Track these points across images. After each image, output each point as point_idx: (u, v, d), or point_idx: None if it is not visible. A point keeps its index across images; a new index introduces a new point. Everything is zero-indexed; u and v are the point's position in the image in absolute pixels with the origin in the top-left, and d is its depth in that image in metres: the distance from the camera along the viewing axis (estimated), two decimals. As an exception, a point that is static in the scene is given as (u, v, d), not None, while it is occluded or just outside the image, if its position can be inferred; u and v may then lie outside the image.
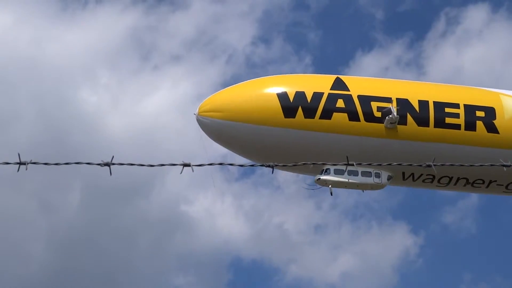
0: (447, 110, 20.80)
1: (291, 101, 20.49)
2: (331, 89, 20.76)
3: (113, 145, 42.69)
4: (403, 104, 20.59)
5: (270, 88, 21.02)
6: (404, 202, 48.99)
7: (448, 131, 20.57)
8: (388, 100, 20.54)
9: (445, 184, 21.49)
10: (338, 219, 49.62)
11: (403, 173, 21.08)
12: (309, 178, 21.22)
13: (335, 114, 20.38)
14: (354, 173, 20.49)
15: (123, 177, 36.99)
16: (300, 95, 20.58)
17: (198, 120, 21.21)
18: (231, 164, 8.74)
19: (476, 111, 20.94)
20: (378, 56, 57.63)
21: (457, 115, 20.73)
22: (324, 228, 49.47)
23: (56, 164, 8.20)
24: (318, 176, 20.50)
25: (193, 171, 8.00)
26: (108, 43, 53.26)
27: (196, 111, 21.31)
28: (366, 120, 20.39)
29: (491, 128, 20.81)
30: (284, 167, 21.40)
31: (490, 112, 21.01)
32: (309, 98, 20.52)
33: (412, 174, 21.05)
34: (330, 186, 20.45)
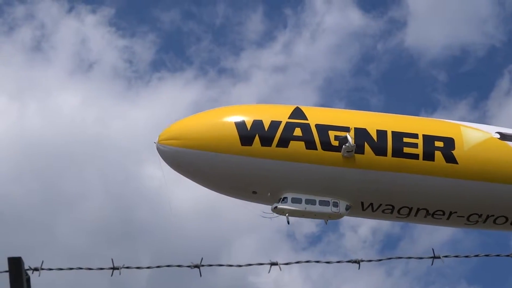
0: (405, 140, 20.78)
1: (249, 129, 20.53)
2: (289, 118, 20.79)
3: (178, 220, 42.97)
4: (361, 133, 20.58)
5: (229, 117, 21.11)
6: (478, 266, 48.40)
7: (405, 161, 20.52)
8: (346, 129, 20.53)
9: (405, 215, 21.31)
10: (410, 286, 48.98)
11: (362, 203, 20.94)
12: (267, 207, 20.99)
13: (292, 143, 20.37)
14: (312, 202, 20.42)
15: (191, 250, 38.51)
16: (257, 124, 20.62)
17: (158, 149, 21.25)
18: (317, 262, 8.16)
19: (435, 141, 20.94)
20: (442, 118, 57.56)
21: (415, 145, 20.71)
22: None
23: (147, 267, 7.93)
24: (275, 205, 20.40)
25: (280, 269, 7.70)
26: (172, 118, 53.98)
27: (156, 140, 21.35)
28: (323, 148, 20.35)
29: (450, 158, 20.74)
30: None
31: (449, 142, 20.99)
32: (266, 127, 20.56)
33: (371, 204, 20.93)
34: (287, 214, 20.36)
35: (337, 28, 59.46)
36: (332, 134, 20.51)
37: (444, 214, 21.29)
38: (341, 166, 20.33)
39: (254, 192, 20.92)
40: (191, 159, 20.81)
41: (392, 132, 20.84)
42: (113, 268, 7.61)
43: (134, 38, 59.73)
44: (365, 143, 20.49)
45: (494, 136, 21.58)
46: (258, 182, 20.73)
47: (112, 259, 7.53)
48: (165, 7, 61.22)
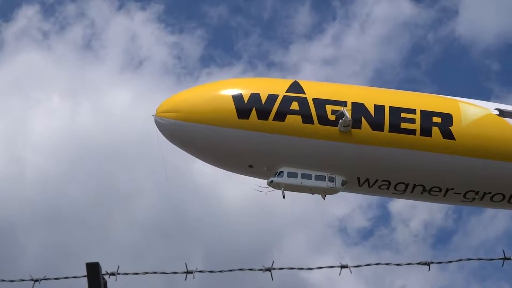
0: (403, 115, 20.65)
1: (246, 102, 20.45)
2: (286, 92, 20.68)
3: (228, 216, 43.67)
4: (358, 107, 20.48)
5: (226, 90, 21.04)
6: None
7: (402, 136, 20.41)
8: (344, 103, 20.42)
9: (401, 192, 21.22)
10: (465, 280, 48.64)
11: (358, 179, 20.86)
12: (263, 182, 20.95)
13: (288, 116, 20.28)
14: (308, 177, 20.38)
15: (242, 246, 39.51)
16: (254, 97, 20.53)
17: (156, 121, 21.23)
18: (387, 264, 8.18)
19: (433, 117, 20.79)
20: (494, 107, 57.24)
21: (412, 121, 20.59)
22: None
23: (220, 271, 8.18)
24: (271, 179, 20.38)
25: (351, 272, 7.86)
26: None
27: (154, 112, 21.33)
28: (320, 123, 20.27)
29: (447, 134, 20.63)
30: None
31: (447, 118, 20.85)
32: (263, 100, 20.46)
33: (367, 179, 20.85)
34: (282, 189, 20.35)
35: (387, 18, 58.96)
36: (329, 108, 20.40)
37: (440, 190, 21.18)
38: (337, 140, 20.24)
39: (250, 166, 20.89)
40: (187, 132, 20.77)
41: (390, 107, 20.71)
42: (187, 272, 7.82)
43: (183, 34, 59.99)
44: (362, 117, 20.38)
45: (493, 113, 21.42)
46: (254, 156, 20.67)
47: (185, 264, 7.77)
48: (213, 2, 62.16)
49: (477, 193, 21.24)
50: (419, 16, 58.45)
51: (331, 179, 20.46)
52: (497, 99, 51.66)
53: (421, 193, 21.27)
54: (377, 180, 20.90)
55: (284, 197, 20.40)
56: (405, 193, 21.30)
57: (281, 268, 7.82)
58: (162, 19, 62.06)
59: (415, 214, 49.09)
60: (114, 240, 41.06)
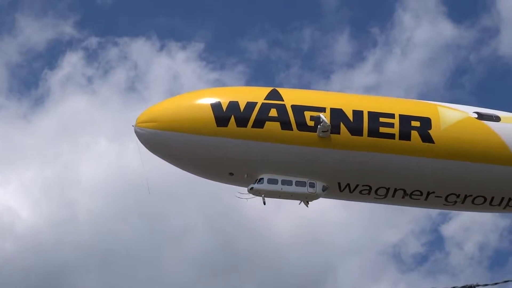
0: (381, 119, 20.81)
1: (224, 110, 20.60)
2: (265, 99, 20.83)
3: (280, 248, 44.14)
4: (337, 113, 20.61)
5: (205, 99, 21.23)
6: None
7: (381, 140, 20.54)
8: (322, 110, 20.58)
9: (382, 196, 21.32)
10: None
11: (339, 184, 20.94)
12: (244, 189, 20.98)
13: (267, 123, 20.41)
14: (288, 183, 20.47)
15: (296, 277, 39.80)
16: (233, 105, 20.67)
17: (135, 131, 21.37)
18: None
19: (412, 121, 20.94)
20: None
21: (391, 125, 20.72)
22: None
23: None
24: (251, 185, 20.46)
25: None
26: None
27: (134, 123, 21.42)
28: (299, 129, 20.40)
29: (426, 137, 20.75)
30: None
31: (426, 122, 21.00)
32: (242, 108, 20.60)
33: (348, 184, 20.93)
34: (263, 196, 20.45)
35: (429, 41, 59.14)
36: (308, 114, 20.55)
37: (421, 194, 21.29)
38: (316, 146, 20.37)
39: (231, 174, 20.97)
40: (166, 141, 20.87)
41: (369, 112, 20.87)
42: None
43: (224, 70, 59.65)
44: (341, 123, 20.51)
45: (472, 116, 21.60)
46: (234, 163, 20.77)
47: None
48: (252, 38, 63.36)
49: (458, 196, 21.34)
50: (461, 37, 58.78)
51: (312, 185, 20.54)
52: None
53: (403, 197, 21.36)
54: (357, 185, 21.00)
55: (264, 203, 20.47)
56: (387, 197, 21.38)
57: None
58: (203, 57, 62.54)
59: (469, 236, 49.24)
60: (168, 278, 41.79)
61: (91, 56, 57.67)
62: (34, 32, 58.46)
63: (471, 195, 21.34)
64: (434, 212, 44.00)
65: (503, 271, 47.52)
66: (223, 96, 21.14)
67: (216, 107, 20.66)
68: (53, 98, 55.90)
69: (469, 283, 7.67)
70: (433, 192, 21.26)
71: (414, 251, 48.69)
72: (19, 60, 57.70)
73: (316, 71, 61.15)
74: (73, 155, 48.57)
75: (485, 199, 21.49)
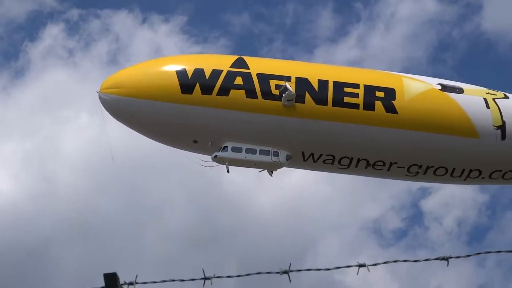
0: (346, 89, 21.02)
1: (189, 77, 20.63)
2: (230, 67, 20.87)
3: (261, 222, 44.84)
4: (302, 82, 20.75)
5: (170, 66, 21.23)
6: None
7: (346, 110, 20.77)
8: (288, 78, 20.68)
9: (346, 166, 21.55)
10: (504, 276, 48.57)
11: (303, 153, 21.12)
12: (208, 157, 21.06)
13: (232, 91, 20.49)
14: (252, 151, 20.62)
15: (276, 252, 39.83)
16: (198, 72, 20.69)
17: (100, 97, 21.26)
18: (404, 261, 8.16)
19: (376, 92, 21.19)
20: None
21: (356, 95, 20.94)
22: (489, 287, 48.86)
23: (238, 276, 8.22)
24: (215, 153, 20.57)
25: (369, 271, 7.89)
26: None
27: (99, 89, 21.31)
28: (264, 97, 20.54)
29: (390, 108, 21.02)
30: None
31: (390, 93, 21.25)
32: (207, 75, 20.65)
33: (312, 154, 21.11)
34: (226, 164, 20.57)
35: (412, 16, 60.14)
36: (273, 83, 20.65)
37: (384, 164, 21.54)
38: (281, 115, 20.52)
39: (195, 142, 21.03)
40: (130, 108, 20.85)
41: (334, 82, 21.04)
42: (205, 278, 7.90)
43: (207, 43, 59.48)
44: (306, 92, 20.68)
45: (436, 88, 21.92)
46: (198, 131, 20.84)
47: (203, 270, 7.85)
48: (235, 11, 64.05)
49: (420, 167, 21.66)
50: (444, 12, 59.80)
51: (276, 154, 20.70)
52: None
53: (365, 167, 21.61)
54: (321, 155, 21.19)
55: (228, 171, 20.57)
56: (350, 167, 21.62)
57: (299, 270, 7.97)
58: (185, 30, 63.39)
59: (448, 211, 50.06)
60: (148, 252, 42.22)
61: (72, 28, 57.76)
62: (14, 3, 59.27)
63: (432, 166, 21.67)
64: (414, 187, 46.02)
65: (481, 246, 49.31)
66: (189, 63, 21.12)
67: (181, 74, 20.64)
68: (34, 70, 55.95)
69: (439, 255, 7.67)
70: (396, 163, 21.53)
71: (394, 226, 49.62)
72: (0, 32, 57.57)
73: (299, 45, 61.70)
74: (54, 128, 48.95)
75: (447, 170, 21.84)
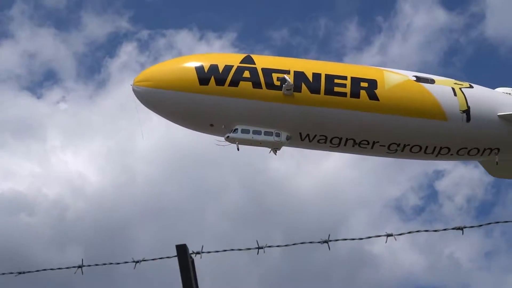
0: (336, 81, 24.21)
1: (206, 72, 24.05)
2: (240, 63, 24.40)
3: (301, 202, 52.22)
4: (299, 75, 24.17)
5: (190, 63, 24.70)
6: None
7: (335, 98, 23.98)
8: (287, 72, 24.16)
9: (336, 145, 24.72)
10: (508, 243, 55.29)
11: (300, 134, 24.54)
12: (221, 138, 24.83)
13: (241, 83, 23.85)
14: (258, 133, 24.05)
15: (314, 226, 46.16)
16: (213, 67, 24.16)
17: (133, 90, 24.81)
18: (426, 231, 8.80)
19: (361, 82, 24.31)
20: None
21: (344, 85, 24.16)
22: (495, 254, 55.62)
23: (286, 245, 9.06)
24: (227, 134, 23.98)
25: (395, 239, 8.41)
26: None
27: (132, 83, 25.20)
28: (267, 87, 23.82)
29: (373, 96, 24.24)
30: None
31: (373, 83, 24.41)
32: (221, 70, 24.02)
33: (308, 135, 24.47)
34: (237, 143, 23.91)
35: (425, 26, 67.72)
36: (275, 76, 23.98)
37: (368, 143, 24.68)
38: (282, 102, 23.77)
39: (211, 125, 24.34)
40: (158, 98, 24.35)
41: (326, 74, 24.35)
42: (258, 248, 8.65)
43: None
44: (302, 83, 24.00)
45: (411, 79, 25.11)
46: (214, 116, 24.10)
47: (257, 241, 8.65)
48: (276, 27, 72.18)
49: (398, 145, 24.70)
50: (452, 22, 67.65)
51: (278, 135, 24.02)
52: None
53: (353, 146, 24.77)
54: (315, 135, 24.45)
55: (238, 149, 24.21)
56: (340, 146, 24.81)
57: (336, 240, 8.57)
58: (235, 45, 70.13)
59: (458, 190, 57.46)
60: (210, 228, 49.35)
61: (143, 46, 67.52)
62: (96, 27, 68.66)
63: (409, 145, 24.73)
64: (429, 169, 54.51)
65: (487, 219, 55.21)
66: (206, 60, 24.65)
67: (199, 69, 24.17)
68: (113, 81, 64.93)
69: (455, 226, 8.24)
70: (378, 142, 24.62)
71: (413, 204, 57.43)
72: (85, 51, 68.24)
73: (330, 54, 69.41)
74: (131, 129, 55.63)
75: (421, 148, 24.90)
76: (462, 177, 57.32)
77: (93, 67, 70.29)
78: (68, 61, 68.42)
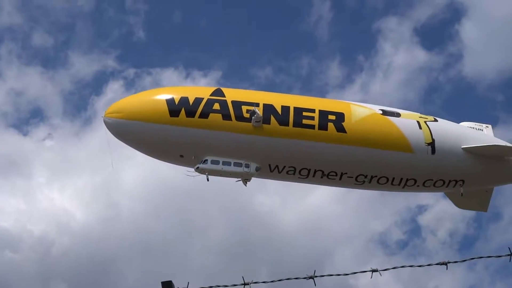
0: (304, 113, 24.68)
1: (176, 104, 24.47)
2: (210, 96, 24.84)
3: (286, 236, 52.75)
4: (268, 108, 24.61)
5: (161, 95, 25.11)
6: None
7: (304, 130, 24.41)
8: (256, 104, 24.56)
9: (305, 176, 25.10)
10: (491, 278, 55.97)
11: (269, 165, 24.84)
12: (191, 168, 25.13)
13: (211, 115, 24.25)
14: (228, 164, 24.37)
15: (300, 260, 46.98)
16: (184, 100, 24.56)
17: (104, 121, 25.09)
18: (410, 266, 8.98)
19: (329, 115, 24.83)
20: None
21: (312, 118, 24.61)
22: None
23: (271, 281, 9.06)
24: (197, 165, 24.24)
25: (381, 275, 8.61)
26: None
27: (103, 114, 25.46)
28: (237, 119, 24.24)
29: (340, 128, 24.70)
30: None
31: (340, 116, 24.93)
32: (191, 102, 24.44)
33: (277, 166, 24.82)
34: (206, 174, 24.22)
35: (405, 65, 69.84)
36: (244, 108, 24.42)
37: (336, 174, 25.05)
38: (251, 134, 24.17)
39: (181, 156, 24.67)
40: (128, 129, 24.66)
41: (294, 107, 24.83)
42: (244, 284, 8.72)
43: None
44: (271, 115, 24.45)
45: (378, 112, 25.68)
46: (184, 147, 24.42)
47: (243, 277, 8.73)
48: (260, 65, 74.23)
49: (365, 176, 25.11)
50: (431, 61, 70.01)
51: (247, 166, 24.35)
52: (504, 123, 62.48)
53: (321, 177, 25.11)
54: (284, 167, 24.81)
55: (208, 180, 24.46)
56: (308, 177, 25.14)
57: (322, 276, 8.69)
58: (221, 83, 70.99)
59: (441, 225, 58.23)
60: (195, 264, 49.72)
61: (129, 84, 67.87)
62: (83, 65, 69.71)
63: (376, 176, 25.17)
64: (412, 204, 55.90)
65: (470, 252, 57.45)
66: (176, 93, 25.04)
67: (169, 101, 24.55)
68: (99, 119, 63.33)
69: (439, 261, 8.45)
70: (346, 173, 25.01)
71: (397, 238, 58.18)
72: (71, 89, 69.10)
73: (313, 92, 71.89)
74: (116, 165, 55.76)
75: (387, 179, 25.31)
76: (445, 212, 58.57)
77: (79, 105, 71.68)
78: (55, 99, 69.73)
